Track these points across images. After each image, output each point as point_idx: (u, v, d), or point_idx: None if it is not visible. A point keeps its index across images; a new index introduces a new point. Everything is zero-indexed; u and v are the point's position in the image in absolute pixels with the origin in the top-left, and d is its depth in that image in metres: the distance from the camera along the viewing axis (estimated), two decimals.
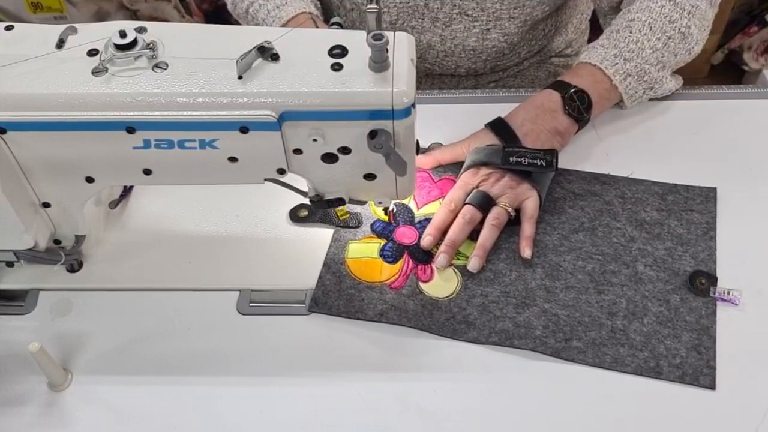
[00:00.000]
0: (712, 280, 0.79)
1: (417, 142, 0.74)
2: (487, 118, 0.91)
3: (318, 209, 0.83)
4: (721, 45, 2.06)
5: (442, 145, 0.94)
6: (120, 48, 0.68)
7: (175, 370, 0.77)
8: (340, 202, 0.78)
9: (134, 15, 1.76)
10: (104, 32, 0.69)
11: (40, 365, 0.73)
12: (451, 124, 0.97)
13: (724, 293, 0.78)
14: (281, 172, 0.74)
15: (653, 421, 0.71)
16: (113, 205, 0.89)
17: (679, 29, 0.92)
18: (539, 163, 0.84)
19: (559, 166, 0.86)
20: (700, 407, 0.72)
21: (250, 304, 0.81)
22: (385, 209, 0.85)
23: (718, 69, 2.11)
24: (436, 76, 1.16)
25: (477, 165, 0.87)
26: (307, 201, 0.80)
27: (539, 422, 0.72)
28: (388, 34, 0.66)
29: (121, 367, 0.77)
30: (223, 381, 0.76)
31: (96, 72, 0.68)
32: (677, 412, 0.71)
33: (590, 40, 1.26)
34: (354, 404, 0.73)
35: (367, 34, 0.65)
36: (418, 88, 0.73)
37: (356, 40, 0.68)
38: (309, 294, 0.81)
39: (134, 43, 0.68)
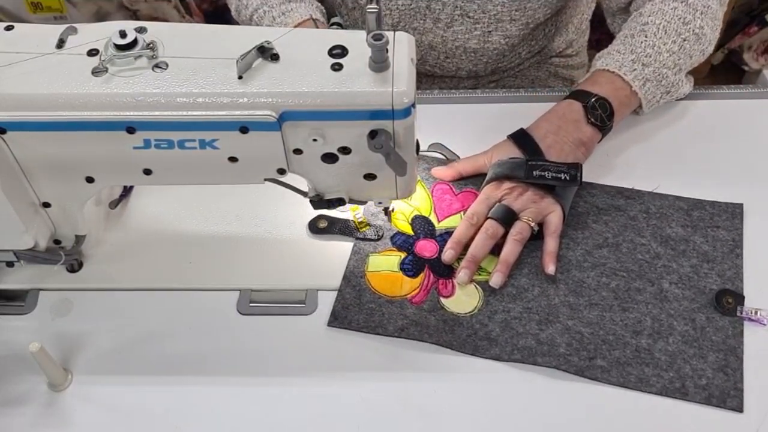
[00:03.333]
0: (739, 299, 0.78)
1: (417, 142, 0.74)
2: (487, 118, 0.91)
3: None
4: (721, 45, 2.06)
5: (442, 145, 0.94)
6: (120, 48, 0.68)
7: (175, 370, 0.77)
8: (340, 202, 0.78)
9: (134, 15, 1.76)
10: (104, 32, 0.69)
11: (40, 365, 0.73)
12: (451, 124, 0.97)
13: (751, 313, 0.77)
14: (281, 172, 0.74)
15: None
16: (113, 205, 0.89)
17: (693, 30, 0.91)
18: (563, 177, 0.83)
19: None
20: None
21: (250, 304, 0.81)
22: (386, 209, 0.85)
23: (718, 69, 2.10)
24: (436, 78, 1.16)
25: (499, 178, 0.85)
26: (326, 212, 0.80)
27: (540, 422, 0.72)
28: (388, 34, 0.66)
29: (121, 367, 0.77)
30: (223, 381, 0.76)
31: (96, 72, 0.68)
32: None
33: (590, 40, 1.26)
34: (354, 404, 0.73)
35: (367, 34, 0.65)
36: (418, 89, 0.73)
37: (356, 40, 0.68)
38: (309, 294, 0.81)
39: (134, 43, 0.68)
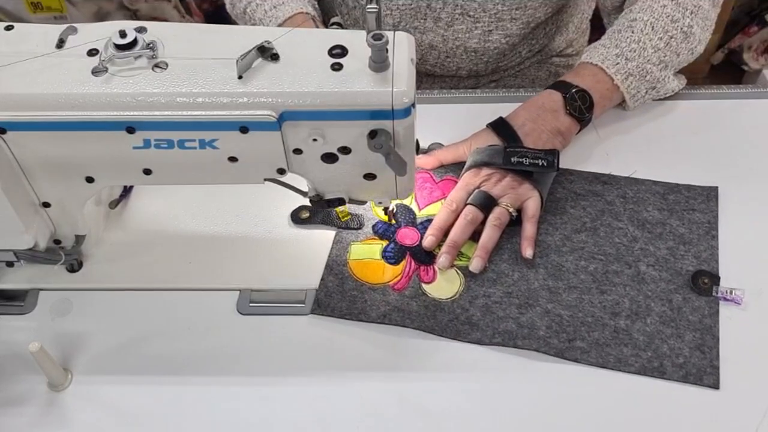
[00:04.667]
0: (715, 279, 0.79)
1: (417, 141, 0.74)
2: (487, 117, 0.91)
3: (318, 209, 0.83)
4: (721, 45, 2.06)
5: (442, 145, 0.94)
6: (120, 48, 0.68)
7: (175, 370, 0.77)
8: (340, 201, 0.78)
9: (134, 15, 1.76)
10: (104, 32, 0.69)
11: (40, 365, 0.73)
12: (451, 124, 0.97)
13: (726, 293, 0.78)
14: (281, 172, 0.74)
15: (656, 421, 0.71)
16: (113, 205, 0.89)
17: (682, 29, 0.92)
18: (541, 164, 0.84)
19: (561, 166, 0.86)
20: (704, 407, 0.72)
21: (250, 304, 0.81)
22: (385, 209, 0.85)
23: (718, 69, 2.10)
24: (437, 77, 1.16)
25: (478, 165, 0.87)
26: (308, 202, 0.80)
27: (541, 422, 0.72)
28: (388, 34, 0.66)
29: (121, 367, 0.77)
30: (223, 381, 0.76)
31: (96, 72, 0.68)
32: (681, 412, 0.71)
33: (591, 40, 1.26)
34: (354, 404, 0.73)
35: (367, 33, 0.65)
36: (418, 88, 0.73)
37: (356, 40, 0.68)
38: (309, 294, 0.81)
39: (134, 43, 0.68)
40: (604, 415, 0.72)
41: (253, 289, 0.82)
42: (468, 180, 0.87)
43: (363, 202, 0.82)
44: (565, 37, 1.17)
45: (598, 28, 1.19)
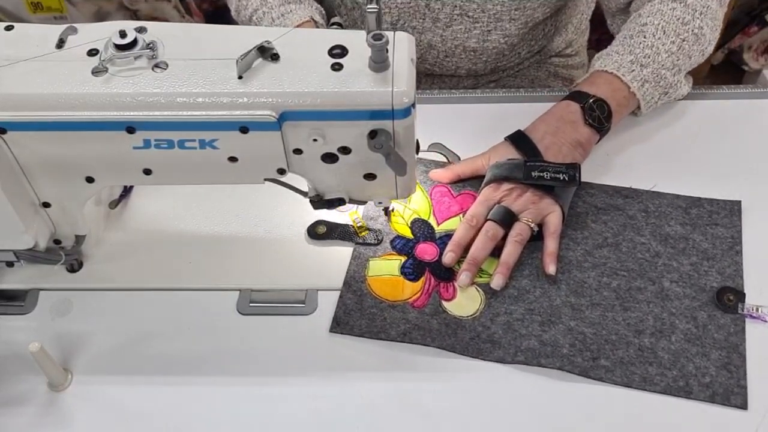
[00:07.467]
0: (740, 296, 0.78)
1: (417, 141, 0.74)
2: (487, 118, 0.91)
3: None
4: (721, 45, 2.06)
5: (442, 145, 0.94)
6: (120, 48, 0.68)
7: (175, 370, 0.77)
8: (340, 202, 0.78)
9: (134, 15, 1.76)
10: (104, 32, 0.69)
11: (40, 365, 0.73)
12: (451, 124, 0.97)
13: (752, 310, 0.77)
14: (281, 172, 0.74)
15: None
16: (113, 205, 0.89)
17: (692, 31, 0.91)
18: (562, 178, 0.83)
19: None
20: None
21: (250, 304, 0.81)
22: (385, 209, 0.85)
23: (718, 69, 2.10)
24: (436, 76, 1.16)
25: (498, 180, 0.85)
26: (325, 218, 0.80)
27: (541, 422, 0.72)
28: (388, 34, 0.66)
29: (121, 367, 0.77)
30: (223, 381, 0.76)
31: (96, 72, 0.68)
32: None
33: (590, 40, 1.26)
34: (354, 404, 0.73)
35: (367, 33, 0.65)
36: (418, 88, 0.73)
37: (356, 40, 0.68)
38: (309, 294, 0.81)
39: (134, 43, 0.68)
40: (604, 419, 0.72)
41: (253, 289, 0.82)
42: (488, 195, 0.85)
43: (363, 202, 0.82)
44: (564, 38, 1.17)
45: (597, 29, 1.20)
